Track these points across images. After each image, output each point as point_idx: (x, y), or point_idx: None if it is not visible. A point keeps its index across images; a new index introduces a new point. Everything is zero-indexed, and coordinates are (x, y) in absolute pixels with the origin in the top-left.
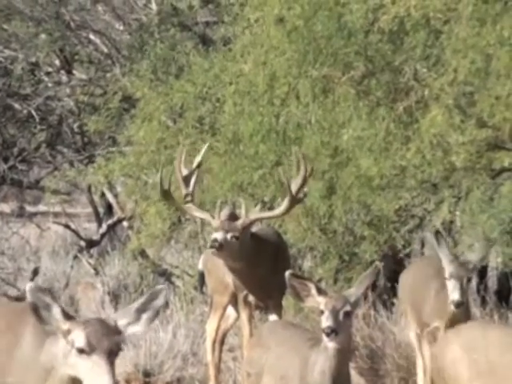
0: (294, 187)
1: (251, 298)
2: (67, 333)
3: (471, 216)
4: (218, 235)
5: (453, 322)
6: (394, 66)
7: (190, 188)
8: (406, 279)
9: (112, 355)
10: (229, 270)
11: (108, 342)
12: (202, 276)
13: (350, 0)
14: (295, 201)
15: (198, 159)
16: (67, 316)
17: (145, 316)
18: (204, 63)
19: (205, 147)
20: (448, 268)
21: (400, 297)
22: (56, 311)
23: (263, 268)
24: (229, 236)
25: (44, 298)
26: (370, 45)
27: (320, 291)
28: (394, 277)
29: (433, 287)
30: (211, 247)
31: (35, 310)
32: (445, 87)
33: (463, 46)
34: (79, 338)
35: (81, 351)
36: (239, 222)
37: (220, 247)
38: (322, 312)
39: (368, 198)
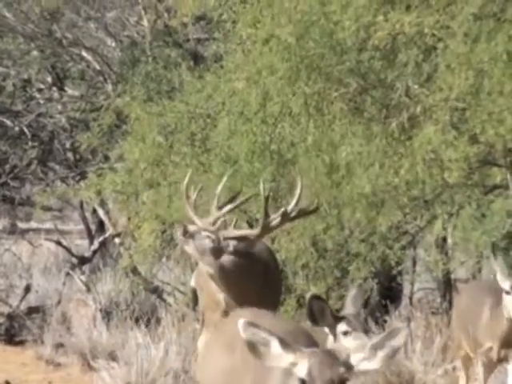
0: (289, 207)
1: None
2: (292, 365)
3: (463, 232)
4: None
5: (508, 341)
6: (386, 83)
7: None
8: (457, 304)
9: None
10: (217, 285)
11: (331, 375)
12: (194, 293)
13: (342, 17)
14: (268, 225)
15: (184, 189)
16: (288, 347)
17: (381, 353)
18: (197, 83)
19: (189, 174)
20: (508, 281)
21: (452, 323)
22: (275, 345)
23: (254, 284)
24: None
25: (259, 332)
26: (363, 62)
27: (336, 318)
28: (386, 294)
29: (486, 306)
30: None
31: (251, 347)
32: (439, 104)
33: (457, 62)
34: (302, 368)
35: (302, 382)
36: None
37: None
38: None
39: (362, 216)
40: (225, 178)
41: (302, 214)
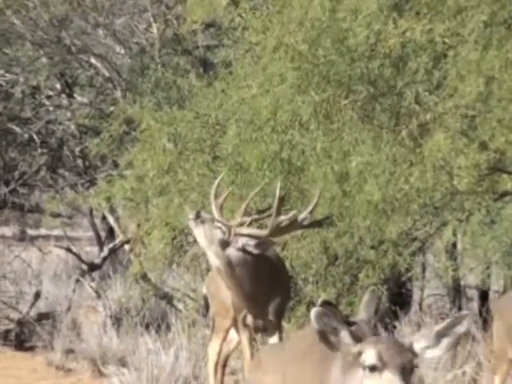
0: (302, 214)
1: (249, 320)
2: (358, 355)
3: (472, 238)
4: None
5: None
6: (395, 90)
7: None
8: (503, 315)
9: (406, 373)
10: (223, 281)
11: (401, 359)
12: (206, 300)
13: (352, 25)
14: (278, 225)
15: (214, 188)
16: (356, 338)
17: (445, 341)
18: (208, 93)
19: (220, 177)
20: None
21: (496, 334)
22: (345, 335)
23: (260, 286)
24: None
25: (331, 322)
26: (372, 69)
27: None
28: (396, 300)
29: None
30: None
31: (323, 336)
32: (449, 111)
33: (467, 69)
34: (370, 355)
35: (372, 368)
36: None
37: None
38: None
39: (372, 223)
40: (260, 186)
41: (315, 224)
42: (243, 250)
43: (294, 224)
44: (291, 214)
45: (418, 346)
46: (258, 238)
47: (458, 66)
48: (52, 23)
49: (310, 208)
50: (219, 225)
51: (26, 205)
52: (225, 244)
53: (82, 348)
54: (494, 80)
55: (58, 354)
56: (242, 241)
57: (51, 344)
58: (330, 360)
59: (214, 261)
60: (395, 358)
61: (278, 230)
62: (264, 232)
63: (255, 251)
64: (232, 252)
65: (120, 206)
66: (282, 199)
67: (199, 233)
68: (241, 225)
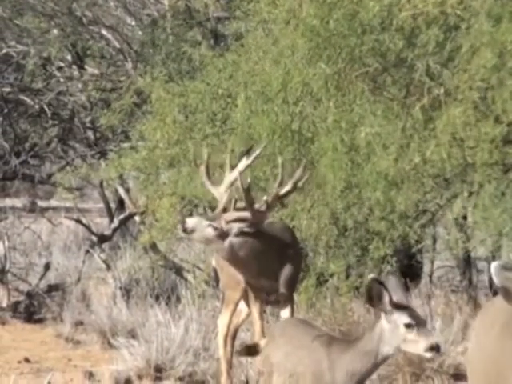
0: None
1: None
2: None
3: (483, 211)
4: None
5: None
6: (406, 62)
7: None
8: None
9: None
10: (233, 267)
11: None
12: (215, 272)
13: None
14: (258, 210)
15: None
16: None
17: None
18: (218, 62)
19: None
20: None
21: None
22: None
23: (268, 261)
24: None
25: None
26: (384, 41)
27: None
28: (406, 272)
29: None
30: None
31: (506, 293)
32: (462, 84)
33: (480, 42)
34: None
35: None
36: None
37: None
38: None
39: (382, 195)
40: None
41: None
42: (241, 233)
43: (272, 201)
44: (264, 199)
45: None
46: (246, 220)
47: (471, 38)
48: None
49: (278, 182)
50: (208, 223)
51: (36, 176)
52: (222, 237)
53: (92, 320)
54: (506, 53)
55: (68, 326)
56: (236, 226)
57: (61, 316)
58: None
59: (220, 254)
60: None
61: (260, 213)
62: (248, 215)
63: (252, 231)
64: (232, 240)
65: (130, 177)
66: (248, 190)
67: (196, 238)
68: (226, 210)
